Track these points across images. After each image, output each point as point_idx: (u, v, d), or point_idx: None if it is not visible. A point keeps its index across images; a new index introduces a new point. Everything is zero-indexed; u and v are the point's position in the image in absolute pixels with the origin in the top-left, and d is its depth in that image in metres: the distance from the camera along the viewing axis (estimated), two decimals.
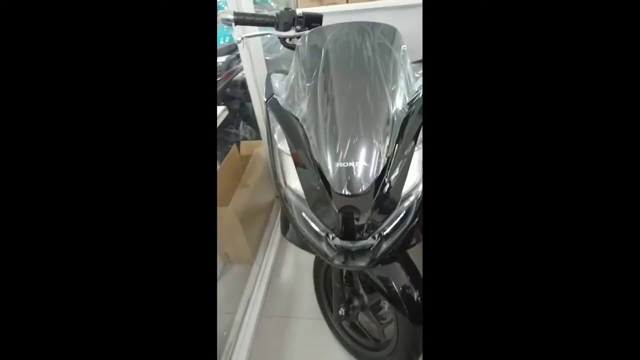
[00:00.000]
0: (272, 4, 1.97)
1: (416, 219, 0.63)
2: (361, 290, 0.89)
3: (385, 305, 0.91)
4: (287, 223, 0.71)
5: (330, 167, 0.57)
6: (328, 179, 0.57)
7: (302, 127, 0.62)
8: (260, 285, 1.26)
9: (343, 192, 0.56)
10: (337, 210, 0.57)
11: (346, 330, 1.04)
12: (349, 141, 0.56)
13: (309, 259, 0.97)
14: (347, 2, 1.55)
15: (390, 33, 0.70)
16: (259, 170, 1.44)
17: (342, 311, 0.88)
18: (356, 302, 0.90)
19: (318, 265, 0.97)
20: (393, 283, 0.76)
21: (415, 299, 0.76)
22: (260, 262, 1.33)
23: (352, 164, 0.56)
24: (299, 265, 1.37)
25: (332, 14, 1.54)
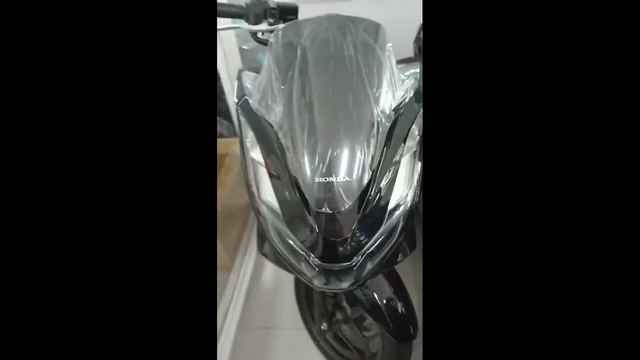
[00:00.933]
0: None
1: (402, 234, 0.57)
2: (344, 303, 0.84)
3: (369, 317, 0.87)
4: (263, 239, 0.65)
5: (309, 181, 0.50)
6: (306, 195, 0.50)
7: (276, 135, 0.55)
8: (239, 294, 1.18)
9: (323, 210, 0.50)
10: (316, 230, 0.51)
11: (329, 343, 0.99)
12: (330, 153, 0.50)
13: None
14: None
15: (374, 29, 0.63)
16: (236, 169, 1.35)
17: (324, 325, 0.83)
18: (339, 316, 0.85)
19: (299, 280, 0.91)
20: (376, 296, 0.72)
21: (400, 312, 0.72)
22: (239, 270, 1.26)
23: (332, 178, 0.50)
24: (279, 273, 1.31)
25: (308, 2, 1.44)
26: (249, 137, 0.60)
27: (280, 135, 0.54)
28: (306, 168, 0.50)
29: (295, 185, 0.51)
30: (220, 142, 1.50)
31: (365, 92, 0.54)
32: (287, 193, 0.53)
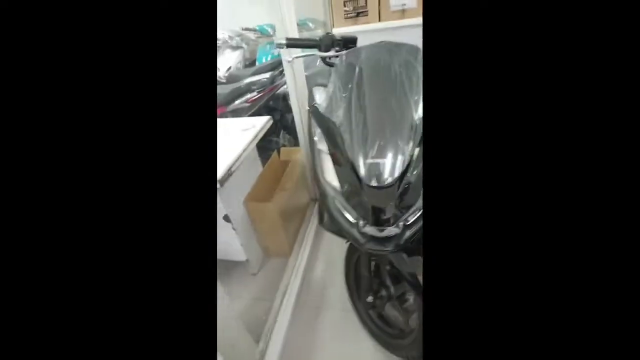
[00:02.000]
0: (311, 24, 2.16)
1: None
2: (388, 282, 0.97)
3: (411, 297, 0.98)
4: (323, 214, 0.83)
5: (362, 163, 0.68)
6: (360, 173, 0.68)
7: (338, 130, 0.74)
8: (296, 277, 1.38)
9: (372, 184, 0.67)
10: (367, 200, 0.68)
11: (373, 320, 1.12)
12: (378, 142, 0.68)
13: (340, 255, 1.08)
14: (379, 20, 1.68)
15: (414, 51, 0.82)
16: (297, 174, 1.59)
17: (370, 298, 0.97)
18: (383, 292, 0.98)
19: (349, 257, 1.06)
20: (418, 276, 0.84)
21: None
22: (296, 257, 1.46)
23: (379, 160, 0.67)
24: (330, 262, 1.48)
25: (365, 32, 1.68)
26: (317, 134, 0.81)
27: (341, 130, 0.73)
28: (360, 153, 0.68)
29: (352, 167, 0.69)
30: (283, 150, 1.77)
31: (407, 98, 0.72)
32: (346, 174, 0.71)
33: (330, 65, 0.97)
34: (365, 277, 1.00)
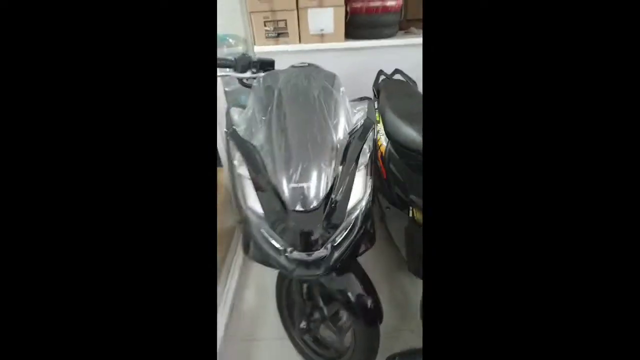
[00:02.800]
0: (231, 40, 2.10)
1: (362, 230, 0.73)
2: (321, 303, 0.96)
3: (344, 315, 0.99)
4: (247, 243, 0.78)
5: (285, 187, 0.66)
6: (284, 198, 0.66)
7: (259, 154, 0.71)
8: (224, 308, 1.26)
9: (297, 209, 0.65)
10: (293, 225, 0.66)
11: (309, 345, 1.08)
12: (301, 166, 0.67)
13: (271, 282, 1.03)
14: (299, 42, 1.73)
15: (331, 77, 0.85)
16: (221, 197, 1.48)
17: (304, 324, 0.94)
18: (317, 315, 0.96)
19: (280, 283, 1.02)
20: (349, 293, 0.85)
21: (369, 305, 0.85)
22: (223, 286, 1.34)
23: (303, 184, 0.66)
24: (262, 289, 1.40)
25: (286, 52, 1.71)
26: (237, 157, 0.76)
27: (262, 154, 0.71)
28: (283, 177, 0.66)
29: (275, 192, 0.67)
30: None
31: (326, 121, 0.73)
32: (269, 199, 0.68)
33: (248, 86, 0.94)
34: (297, 302, 0.97)
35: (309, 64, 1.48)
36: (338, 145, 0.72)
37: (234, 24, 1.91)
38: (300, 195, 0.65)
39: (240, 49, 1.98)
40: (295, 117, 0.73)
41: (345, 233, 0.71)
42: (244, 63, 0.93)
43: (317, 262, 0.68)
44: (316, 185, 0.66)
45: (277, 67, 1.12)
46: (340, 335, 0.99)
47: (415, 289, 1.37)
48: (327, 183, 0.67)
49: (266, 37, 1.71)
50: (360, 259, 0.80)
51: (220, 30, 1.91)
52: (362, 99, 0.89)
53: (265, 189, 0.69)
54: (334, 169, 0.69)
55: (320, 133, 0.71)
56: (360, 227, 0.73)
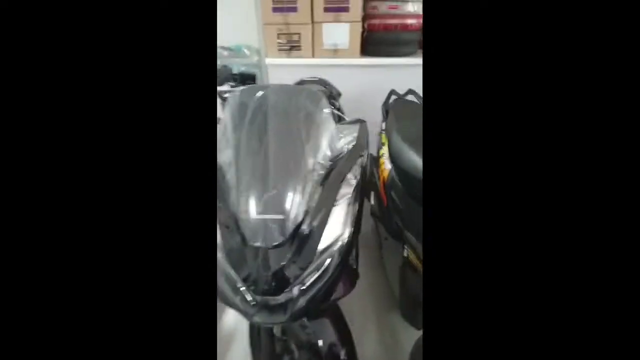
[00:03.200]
0: (246, 51, 2.09)
1: (336, 273, 0.62)
2: (292, 346, 0.84)
3: None
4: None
5: (247, 218, 0.57)
6: (244, 230, 0.57)
7: (222, 176, 0.63)
8: None
9: (258, 244, 0.56)
10: (251, 263, 0.56)
11: None
12: (267, 194, 0.58)
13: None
14: (312, 56, 1.67)
15: (316, 98, 0.76)
16: None
17: None
18: (286, 358, 0.84)
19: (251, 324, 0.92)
20: (320, 342, 0.73)
21: (341, 358, 0.73)
22: None
23: (269, 216, 0.57)
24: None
25: (298, 66, 1.65)
26: None
27: (227, 176, 0.62)
28: (246, 205, 0.57)
29: (235, 221, 0.58)
30: None
31: (302, 145, 0.64)
32: (227, 228, 0.59)
33: (223, 100, 0.88)
34: (265, 345, 0.86)
35: (319, 79, 1.41)
36: (316, 174, 0.62)
37: (248, 33, 1.90)
38: (263, 228, 0.56)
39: (255, 59, 1.96)
40: (268, 139, 0.65)
41: (317, 274, 0.60)
42: (221, 75, 0.87)
43: (277, 308, 0.58)
44: (283, 218, 0.57)
45: (287, 80, 1.06)
46: None
47: (406, 334, 1.21)
48: (296, 216, 0.57)
49: (278, 50, 1.67)
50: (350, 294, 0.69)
51: (235, 40, 1.91)
52: (356, 121, 0.79)
53: (224, 216, 0.60)
54: (307, 200, 0.59)
55: (293, 158, 0.62)
56: (335, 270, 0.62)
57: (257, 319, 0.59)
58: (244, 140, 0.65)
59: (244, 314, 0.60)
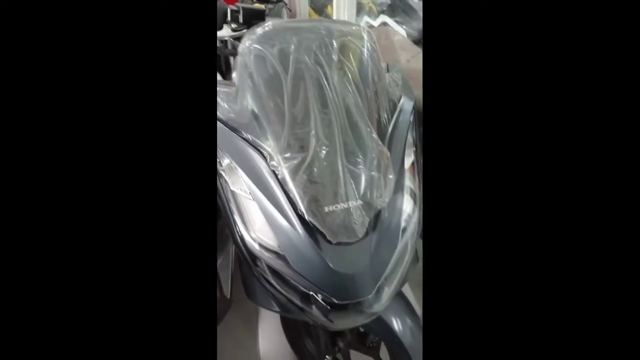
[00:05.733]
0: None
1: (412, 255, 0.54)
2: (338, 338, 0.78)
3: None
4: (252, 285, 0.55)
5: (318, 211, 0.43)
6: (316, 226, 0.43)
7: (265, 161, 0.46)
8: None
9: (338, 241, 0.43)
10: (330, 265, 0.44)
11: None
12: (341, 179, 0.44)
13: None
14: None
15: (359, 33, 0.57)
16: None
17: (328, 358, 0.76)
18: (340, 343, 0.78)
19: (287, 321, 0.82)
20: (395, 326, 0.67)
21: (411, 327, 0.68)
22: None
23: (345, 204, 0.43)
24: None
25: None
26: (225, 165, 0.50)
27: (274, 162, 0.45)
28: (313, 197, 0.43)
29: (300, 218, 0.44)
30: None
31: (365, 104, 0.49)
32: (289, 228, 0.45)
33: (229, 54, 0.63)
34: (316, 335, 0.77)
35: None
36: (380, 148, 0.49)
37: None
38: (342, 220, 0.43)
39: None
40: (322, 100, 0.48)
41: (394, 263, 0.50)
42: (217, 14, 0.60)
43: (360, 306, 0.48)
44: (362, 204, 0.44)
45: None
46: (374, 353, 0.82)
47: None
48: (375, 199, 0.45)
49: None
50: None
51: None
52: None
53: (283, 213, 0.45)
54: (382, 179, 0.47)
55: (361, 120, 0.47)
56: (412, 250, 0.53)
57: (335, 325, 0.50)
58: (287, 106, 0.47)
59: (322, 322, 0.49)
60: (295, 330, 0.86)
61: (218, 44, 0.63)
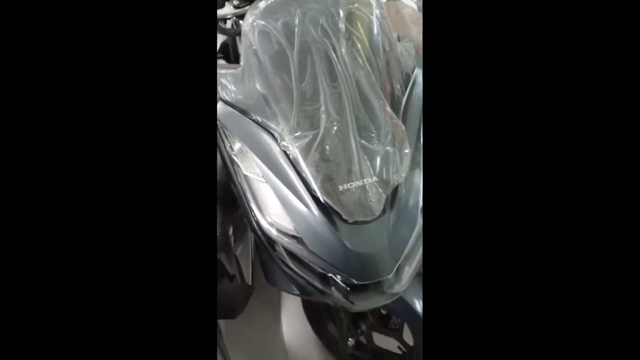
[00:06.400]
0: None
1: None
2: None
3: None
4: (271, 269, 0.55)
5: (332, 190, 0.42)
6: (331, 206, 0.42)
7: (276, 142, 0.45)
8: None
9: (355, 220, 0.42)
10: (347, 245, 0.43)
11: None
12: (355, 156, 0.42)
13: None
14: None
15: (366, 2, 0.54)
16: None
17: (351, 341, 0.76)
18: (363, 325, 0.78)
19: (310, 305, 0.82)
20: (415, 305, 0.65)
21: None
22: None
23: (360, 182, 0.42)
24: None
25: None
26: (237, 149, 0.49)
27: (284, 142, 0.44)
28: (327, 175, 0.42)
29: (314, 198, 0.43)
30: None
31: (376, 75, 0.47)
32: (304, 209, 0.44)
33: (233, 33, 0.62)
34: (339, 319, 0.77)
35: None
36: (393, 122, 0.47)
37: None
38: (358, 198, 0.42)
39: None
40: (331, 73, 0.46)
41: (414, 241, 0.49)
42: None
43: (381, 286, 0.47)
44: (378, 181, 0.43)
45: None
46: (397, 336, 0.82)
47: None
48: (392, 175, 0.43)
49: None
50: None
51: None
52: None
53: (298, 195, 0.44)
54: (397, 153, 0.45)
55: (373, 93, 0.45)
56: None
57: (356, 306, 0.49)
58: (295, 82, 0.46)
59: (340, 303, 0.49)
60: (317, 313, 0.87)
61: (220, 24, 0.62)
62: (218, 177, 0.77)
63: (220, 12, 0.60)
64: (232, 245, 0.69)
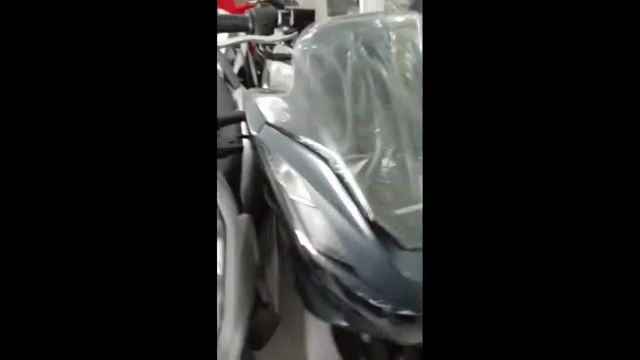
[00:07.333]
0: None
1: None
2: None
3: None
4: (314, 299, 0.53)
5: (390, 215, 0.41)
6: (388, 231, 0.40)
7: (327, 165, 0.44)
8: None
9: (414, 247, 0.40)
10: (407, 274, 0.41)
11: None
12: (413, 178, 0.41)
13: None
14: None
15: (412, 24, 0.55)
16: None
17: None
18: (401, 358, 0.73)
19: (341, 333, 0.78)
20: None
21: None
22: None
23: (417, 206, 0.41)
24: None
25: None
26: (283, 173, 0.48)
27: (337, 165, 0.43)
28: (383, 199, 0.40)
29: (369, 223, 0.41)
30: None
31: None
32: (357, 235, 0.42)
33: (280, 59, 0.62)
34: (374, 352, 0.73)
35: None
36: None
37: None
38: (413, 224, 0.40)
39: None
40: (384, 95, 0.46)
41: None
42: (266, 19, 0.58)
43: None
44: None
45: None
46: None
47: None
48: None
49: None
50: None
51: None
52: None
53: (348, 218, 0.42)
54: None
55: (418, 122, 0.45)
56: None
57: (413, 338, 0.46)
58: (351, 113, 0.45)
59: (394, 338, 0.46)
60: (350, 344, 0.82)
61: (267, 49, 0.63)
62: (248, 200, 0.76)
63: (268, 38, 0.61)
64: (265, 270, 0.67)
